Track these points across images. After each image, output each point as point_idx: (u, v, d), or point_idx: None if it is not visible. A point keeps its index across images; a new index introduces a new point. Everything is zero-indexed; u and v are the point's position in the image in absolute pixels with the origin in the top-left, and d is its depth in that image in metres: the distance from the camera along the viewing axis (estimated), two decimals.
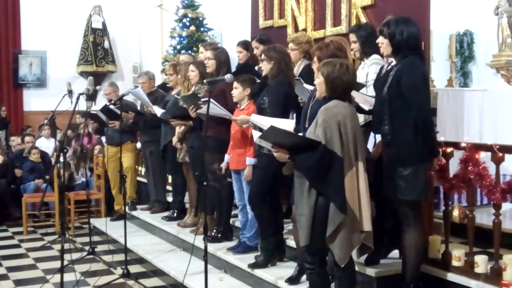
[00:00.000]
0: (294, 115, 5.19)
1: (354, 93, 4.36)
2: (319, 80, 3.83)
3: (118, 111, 6.93)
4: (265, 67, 5.10)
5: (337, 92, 3.77)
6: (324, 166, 3.60)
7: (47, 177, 8.73)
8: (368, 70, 4.72)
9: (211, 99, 4.92)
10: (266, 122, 4.42)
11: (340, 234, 3.64)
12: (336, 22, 6.44)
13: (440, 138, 4.37)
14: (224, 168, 5.59)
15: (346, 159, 3.65)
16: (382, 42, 4.08)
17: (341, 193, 3.61)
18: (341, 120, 3.66)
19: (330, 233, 3.64)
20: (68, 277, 5.21)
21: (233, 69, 6.32)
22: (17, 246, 7.68)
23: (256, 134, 3.93)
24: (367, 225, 3.72)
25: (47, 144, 9.97)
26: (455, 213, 4.30)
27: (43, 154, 9.36)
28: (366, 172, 3.77)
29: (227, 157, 5.58)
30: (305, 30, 6.76)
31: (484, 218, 5.05)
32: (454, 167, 4.31)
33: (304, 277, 4.65)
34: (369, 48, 4.71)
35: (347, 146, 3.66)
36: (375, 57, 4.70)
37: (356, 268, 4.47)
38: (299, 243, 3.90)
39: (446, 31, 8.29)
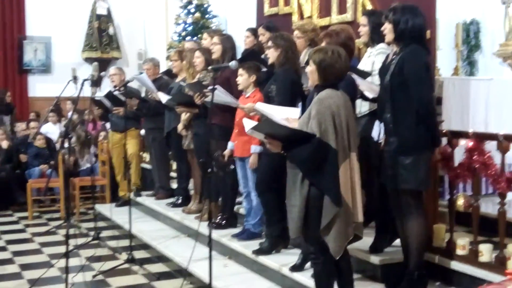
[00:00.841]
0: (300, 103, 5.19)
1: (359, 81, 4.35)
2: (311, 68, 3.74)
3: (122, 98, 6.94)
4: (271, 54, 5.07)
5: (330, 80, 3.69)
6: (319, 159, 3.55)
7: (52, 162, 8.74)
8: (374, 59, 4.69)
9: (219, 87, 4.91)
10: (271, 110, 4.40)
11: (334, 226, 3.59)
12: (342, 9, 6.40)
13: (445, 126, 4.36)
14: (227, 155, 5.60)
15: (341, 150, 3.59)
16: (386, 27, 4.07)
17: (335, 186, 3.56)
18: (335, 111, 3.59)
19: (324, 226, 3.59)
20: (73, 262, 5.25)
21: (239, 55, 6.31)
22: (22, 231, 7.72)
23: (247, 125, 3.85)
24: (359, 216, 3.70)
25: (53, 130, 9.99)
26: (460, 202, 4.32)
27: (48, 140, 9.38)
28: (358, 162, 3.72)
29: (230, 144, 5.58)
30: (310, 17, 6.73)
31: (489, 207, 5.06)
32: (459, 156, 4.31)
33: (308, 264, 4.67)
34: (377, 35, 4.67)
35: (341, 137, 3.60)
36: (382, 46, 4.67)
37: (360, 256, 4.51)
38: (290, 234, 3.86)
39: (453, 20, 8.28)
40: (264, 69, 5.50)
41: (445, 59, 7.86)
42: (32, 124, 9.68)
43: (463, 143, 4.34)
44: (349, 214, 3.64)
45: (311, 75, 3.78)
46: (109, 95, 7.35)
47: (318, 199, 3.60)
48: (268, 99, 5.01)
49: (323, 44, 4.46)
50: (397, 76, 3.96)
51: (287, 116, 4.02)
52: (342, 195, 3.59)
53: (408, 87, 3.91)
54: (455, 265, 4.21)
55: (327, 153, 3.55)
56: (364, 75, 4.41)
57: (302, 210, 3.63)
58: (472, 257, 4.15)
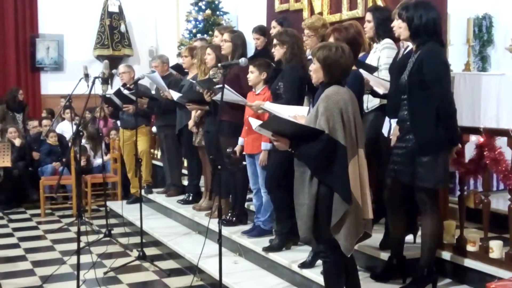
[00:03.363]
0: (311, 99, 5.18)
1: (369, 77, 4.34)
2: (314, 66, 3.70)
3: (131, 96, 6.96)
4: (277, 52, 5.06)
5: (335, 76, 3.65)
6: (328, 156, 3.52)
7: (64, 160, 8.80)
8: (380, 54, 4.68)
9: (226, 85, 4.91)
10: (280, 109, 4.38)
11: (345, 224, 3.57)
12: (352, 5, 6.39)
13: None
14: (238, 151, 5.60)
15: (349, 147, 3.56)
16: (400, 25, 4.02)
17: (345, 183, 3.53)
18: (343, 107, 3.56)
19: (335, 224, 3.57)
20: (85, 258, 5.28)
21: (249, 51, 6.30)
22: (35, 228, 7.78)
23: (254, 123, 3.82)
24: (369, 213, 3.68)
25: (69, 127, 10.02)
26: (471, 198, 4.28)
27: (61, 137, 9.43)
28: (365, 159, 3.70)
29: (241, 140, 5.59)
30: (321, 13, 6.72)
31: (499, 203, 5.03)
32: (470, 152, 4.29)
33: (318, 261, 4.67)
34: (383, 31, 4.67)
35: (349, 134, 3.57)
36: (387, 41, 4.66)
37: (370, 253, 4.50)
38: (300, 233, 3.84)
39: (464, 15, 8.21)
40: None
41: (456, 54, 7.81)
42: (45, 121, 9.73)
43: (474, 139, 4.31)
44: (359, 211, 3.61)
45: (314, 74, 3.74)
46: (119, 93, 7.37)
47: (328, 197, 3.57)
48: (276, 97, 5.01)
49: (331, 39, 4.42)
50: (415, 75, 3.91)
51: (295, 114, 4.00)
52: (352, 192, 3.56)
53: (427, 85, 3.88)
54: (465, 262, 4.19)
55: (336, 149, 3.52)
56: (371, 70, 4.40)
57: (311, 209, 3.60)
58: (482, 254, 4.13)
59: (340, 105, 3.56)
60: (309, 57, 5.29)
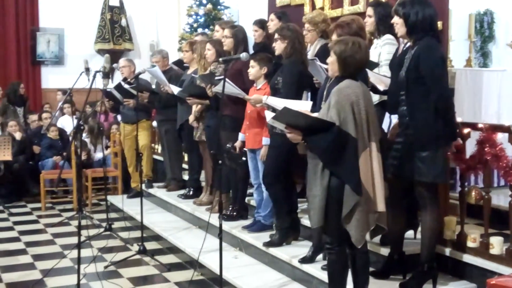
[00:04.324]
0: (309, 94, 5.18)
1: (369, 73, 4.33)
2: (331, 59, 3.77)
3: (132, 90, 6.96)
4: (278, 46, 5.06)
5: (349, 70, 3.71)
6: (338, 148, 3.56)
7: (64, 154, 8.80)
8: (380, 50, 4.67)
9: (226, 78, 4.90)
10: (282, 104, 4.38)
11: (355, 215, 3.61)
12: (354, 0, 6.37)
13: (458, 118, 4.34)
14: (238, 147, 5.60)
15: (360, 140, 3.61)
16: (397, 22, 4.04)
17: (355, 174, 3.57)
18: (354, 100, 3.61)
19: (346, 215, 3.61)
20: (85, 252, 5.29)
21: (250, 46, 6.30)
22: (35, 221, 7.79)
23: (269, 115, 3.87)
24: (381, 206, 3.70)
25: (69, 122, 10.02)
26: (471, 194, 4.29)
27: (61, 131, 9.43)
28: (379, 152, 3.73)
29: (241, 135, 5.59)
30: (322, 8, 6.70)
31: (500, 199, 5.03)
32: (471, 148, 4.29)
33: (318, 256, 4.68)
34: (383, 27, 4.66)
35: (361, 126, 3.61)
36: (388, 37, 4.65)
37: (370, 248, 4.49)
38: (312, 224, 3.87)
39: (466, 10, 8.19)
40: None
41: (458, 50, 7.81)
42: (45, 115, 9.73)
43: (475, 134, 4.31)
44: (370, 203, 3.65)
45: (331, 66, 3.79)
46: (119, 87, 7.36)
47: (339, 188, 3.61)
48: (274, 91, 5.01)
49: (334, 35, 4.44)
50: (413, 71, 3.93)
51: (298, 109, 4.01)
52: (363, 184, 3.59)
53: (424, 81, 3.89)
54: (466, 258, 4.20)
55: (347, 141, 3.56)
56: (372, 66, 4.39)
57: (323, 200, 3.64)
58: (483, 250, 4.13)
59: (352, 98, 3.60)
60: (309, 51, 5.30)
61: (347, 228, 3.65)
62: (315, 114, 3.84)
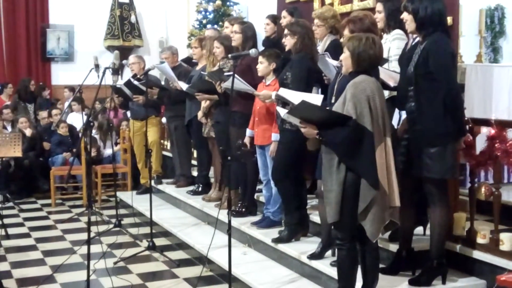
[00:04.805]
0: (319, 90, 5.17)
1: (380, 69, 4.31)
2: (345, 55, 3.76)
3: (141, 87, 6.97)
4: (288, 42, 5.05)
5: (363, 66, 3.70)
6: (355, 142, 3.55)
7: (74, 150, 8.83)
8: (390, 45, 4.66)
9: (235, 74, 4.90)
10: (294, 96, 4.35)
11: (372, 210, 3.60)
12: None
13: (467, 114, 4.32)
14: (247, 143, 5.59)
15: (376, 134, 3.59)
16: (406, 18, 4.03)
17: (373, 168, 3.56)
18: (370, 94, 3.60)
19: (362, 210, 3.60)
20: (95, 248, 5.29)
21: (259, 42, 6.29)
22: (45, 218, 7.83)
23: (281, 111, 3.85)
24: (396, 201, 3.69)
25: (78, 119, 10.05)
26: (481, 190, 4.26)
27: (71, 128, 9.46)
28: (392, 148, 3.72)
29: (249, 131, 5.58)
30: (331, 4, 6.68)
31: (510, 195, 5.02)
32: (481, 144, 4.27)
33: (327, 252, 4.67)
34: (393, 22, 4.64)
35: (376, 121, 3.60)
36: (397, 32, 4.64)
37: (380, 244, 4.49)
38: (326, 220, 3.86)
39: (476, 6, 8.14)
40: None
41: (468, 45, 7.76)
42: (55, 112, 9.76)
43: (485, 130, 4.29)
44: (386, 198, 3.65)
45: (344, 62, 3.79)
46: (129, 84, 7.38)
47: (355, 183, 3.61)
48: (283, 86, 4.99)
49: (346, 30, 4.44)
50: (421, 66, 3.91)
51: (310, 102, 4.00)
52: (379, 178, 3.58)
53: (433, 77, 3.87)
54: (476, 254, 4.18)
55: (364, 135, 3.56)
56: (382, 62, 4.37)
57: (339, 195, 3.63)
58: (492, 246, 4.11)
59: (367, 92, 3.60)
60: (319, 46, 5.29)
61: (362, 223, 3.65)
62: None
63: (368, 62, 3.71)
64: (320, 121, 3.65)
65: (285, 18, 6.20)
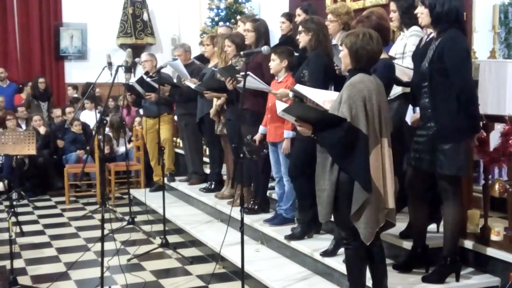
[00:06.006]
0: (332, 87, 5.15)
1: (396, 67, 4.30)
2: (343, 52, 3.71)
3: (154, 84, 6.99)
4: (302, 39, 5.04)
5: (361, 63, 3.64)
6: (349, 144, 3.52)
7: (88, 148, 8.88)
8: (406, 41, 4.64)
9: (250, 73, 4.89)
10: (309, 92, 4.33)
11: (365, 212, 3.56)
12: None
13: (481, 110, 4.29)
14: (258, 140, 5.59)
15: (372, 136, 3.55)
16: (422, 12, 3.99)
17: (365, 171, 3.52)
18: (367, 95, 3.55)
19: (355, 212, 3.57)
20: (109, 245, 5.32)
21: (276, 40, 6.29)
22: (59, 215, 7.88)
23: (280, 107, 3.83)
24: (390, 202, 3.66)
25: (91, 117, 10.10)
26: (495, 187, 4.24)
27: (85, 126, 9.51)
28: (390, 148, 3.68)
29: (261, 128, 5.58)
30: (344, 0, 6.66)
31: None
32: (495, 140, 4.24)
33: (340, 250, 4.66)
34: (409, 19, 4.62)
35: (372, 123, 3.56)
36: (414, 28, 4.61)
37: (392, 242, 4.48)
38: (320, 219, 3.84)
39: (490, 1, 8.07)
40: (296, 54, 5.46)
41: (482, 41, 7.68)
42: (68, 109, 9.82)
43: (499, 127, 4.26)
44: (380, 200, 3.61)
45: (343, 59, 3.75)
46: (141, 81, 7.40)
47: (348, 184, 3.57)
48: (300, 84, 4.98)
49: None
50: (436, 62, 3.89)
51: (325, 98, 3.98)
52: (373, 181, 3.55)
53: (448, 73, 3.84)
54: (490, 251, 4.15)
55: (357, 138, 3.52)
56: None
57: (331, 195, 3.61)
58: (506, 243, 4.08)
59: (364, 93, 3.55)
60: (334, 42, 5.27)
61: (356, 225, 3.62)
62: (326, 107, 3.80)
63: (366, 58, 3.64)
64: (314, 121, 3.62)
65: (300, 16, 6.20)
